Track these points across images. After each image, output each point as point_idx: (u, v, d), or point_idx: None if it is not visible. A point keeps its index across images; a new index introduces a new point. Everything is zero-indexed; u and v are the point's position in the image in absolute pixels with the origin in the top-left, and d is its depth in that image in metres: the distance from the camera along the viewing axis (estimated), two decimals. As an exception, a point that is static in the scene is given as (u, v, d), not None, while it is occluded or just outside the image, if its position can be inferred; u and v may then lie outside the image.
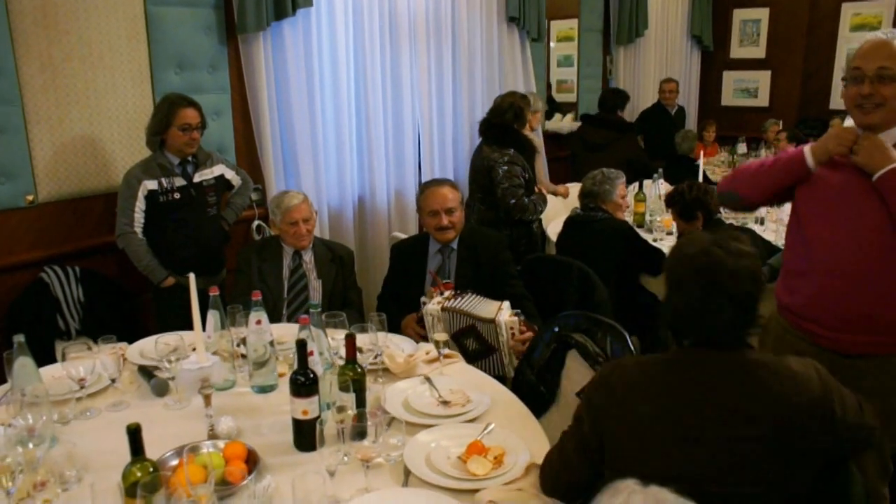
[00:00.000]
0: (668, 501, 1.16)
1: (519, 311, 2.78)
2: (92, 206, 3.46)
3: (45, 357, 2.73)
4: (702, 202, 3.48)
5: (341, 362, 2.06)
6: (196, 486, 1.52)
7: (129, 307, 3.43)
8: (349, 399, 1.89)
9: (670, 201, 3.66)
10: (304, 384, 1.84)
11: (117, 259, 3.43)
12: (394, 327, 3.01)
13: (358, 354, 2.23)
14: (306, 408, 1.85)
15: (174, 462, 1.80)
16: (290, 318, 3.12)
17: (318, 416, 1.87)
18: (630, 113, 7.23)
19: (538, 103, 5.58)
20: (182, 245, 3.26)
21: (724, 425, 1.51)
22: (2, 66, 3.07)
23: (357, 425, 1.69)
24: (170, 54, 3.61)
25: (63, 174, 3.34)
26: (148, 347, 2.48)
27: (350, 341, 1.94)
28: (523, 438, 1.91)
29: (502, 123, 4.09)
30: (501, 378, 2.73)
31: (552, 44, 7.07)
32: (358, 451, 1.70)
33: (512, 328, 2.69)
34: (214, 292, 2.29)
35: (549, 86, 6.75)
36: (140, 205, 3.15)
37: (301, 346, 1.85)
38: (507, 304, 2.79)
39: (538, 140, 5.59)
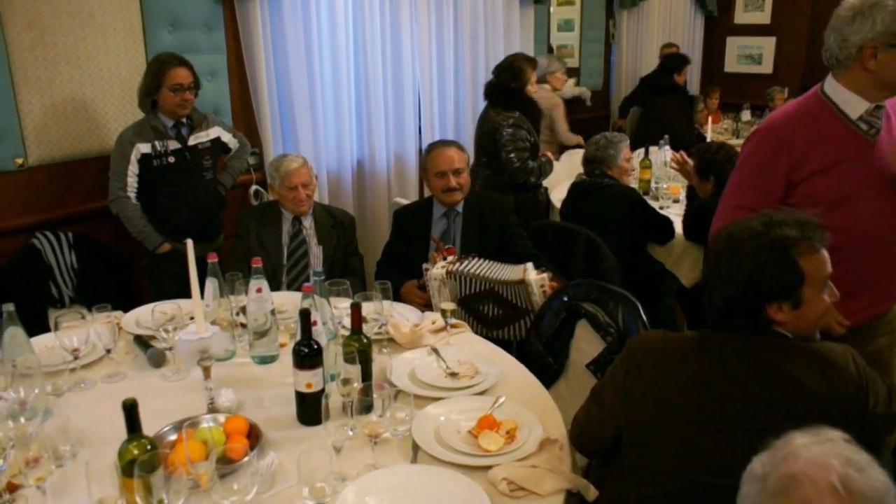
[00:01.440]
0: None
1: (544, 267, 2.71)
2: (84, 169, 3.35)
3: (37, 326, 2.64)
4: (720, 168, 3.37)
5: (345, 332, 1.98)
6: (196, 464, 1.45)
7: (124, 274, 3.34)
8: (355, 371, 1.80)
9: (695, 152, 3.56)
10: (307, 356, 1.76)
11: (111, 224, 3.32)
12: (395, 295, 2.93)
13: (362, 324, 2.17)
14: (310, 380, 1.77)
15: (172, 437, 1.73)
16: (290, 286, 3.03)
17: (323, 389, 1.79)
18: (632, 78, 7.11)
19: (555, 64, 5.52)
20: (177, 210, 3.15)
21: (751, 417, 1.45)
22: (-14, 23, 2.94)
23: (363, 399, 1.62)
24: (163, 12, 3.47)
25: (54, 137, 3.22)
26: (144, 316, 2.40)
27: (356, 311, 1.86)
28: (535, 411, 1.84)
29: (502, 84, 3.97)
30: (504, 343, 2.67)
31: (552, 8, 6.90)
32: (365, 427, 1.62)
33: (543, 286, 2.62)
34: (213, 259, 2.20)
35: (549, 50, 6.60)
36: (133, 169, 3.05)
37: (304, 315, 1.77)
38: (530, 264, 2.71)
39: (557, 99, 5.56)
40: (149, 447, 1.42)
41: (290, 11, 3.87)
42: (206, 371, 1.82)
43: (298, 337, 1.78)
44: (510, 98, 3.95)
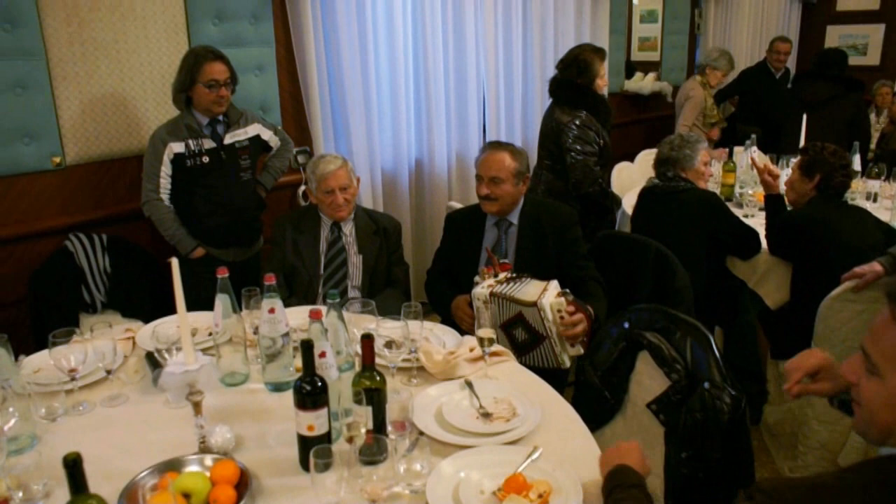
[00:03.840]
0: None
1: (567, 290, 2.40)
2: (123, 169, 3.22)
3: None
4: (830, 170, 2.97)
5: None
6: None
7: (160, 279, 3.18)
8: (364, 413, 1.55)
9: (805, 149, 3.16)
10: (309, 394, 1.51)
11: (149, 227, 3.18)
12: (444, 307, 2.68)
13: (387, 352, 1.91)
14: (312, 423, 1.52)
15: (154, 481, 1.51)
16: (327, 298, 2.80)
17: (328, 432, 1.54)
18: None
19: (722, 61, 5.22)
20: (211, 213, 2.97)
21: None
22: (23, 16, 2.82)
23: (363, 457, 1.35)
24: (208, 3, 3.31)
25: (92, 135, 3.10)
26: (160, 330, 2.20)
27: (367, 344, 1.59)
28: (577, 467, 1.53)
29: (567, 80, 3.62)
30: (554, 370, 2.38)
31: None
32: (365, 485, 1.36)
33: (559, 311, 2.31)
34: (223, 274, 1.99)
35: (628, 43, 6.19)
36: (166, 169, 2.88)
37: (306, 347, 1.51)
38: (554, 283, 2.41)
39: (700, 96, 5.24)
40: (98, 508, 1.20)
41: (344, 0, 3.66)
42: (197, 407, 1.59)
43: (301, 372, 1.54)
44: (576, 95, 3.58)
